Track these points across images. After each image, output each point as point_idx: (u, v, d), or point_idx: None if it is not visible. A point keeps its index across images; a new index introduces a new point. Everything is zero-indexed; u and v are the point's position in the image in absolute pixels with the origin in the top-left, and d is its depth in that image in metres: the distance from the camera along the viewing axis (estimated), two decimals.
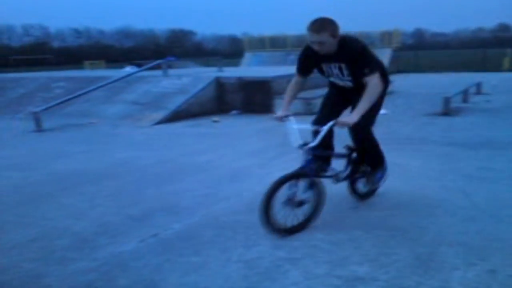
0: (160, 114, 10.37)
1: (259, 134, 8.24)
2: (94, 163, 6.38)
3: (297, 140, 3.56)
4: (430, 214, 3.97)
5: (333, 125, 3.52)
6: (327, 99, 4.18)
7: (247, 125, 9.35)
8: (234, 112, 11.21)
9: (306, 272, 3.00)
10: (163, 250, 3.43)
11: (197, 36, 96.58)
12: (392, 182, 4.89)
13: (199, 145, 7.44)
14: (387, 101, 10.91)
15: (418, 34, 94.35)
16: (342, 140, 4.07)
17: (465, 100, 11.75)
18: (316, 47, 3.58)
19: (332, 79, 3.94)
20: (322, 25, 3.47)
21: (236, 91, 11.53)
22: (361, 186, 4.26)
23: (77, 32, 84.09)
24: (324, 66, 3.81)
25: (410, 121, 9.07)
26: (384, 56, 26.42)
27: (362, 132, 3.86)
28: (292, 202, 3.52)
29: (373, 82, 3.52)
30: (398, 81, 16.29)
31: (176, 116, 10.41)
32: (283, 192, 3.45)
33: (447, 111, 9.76)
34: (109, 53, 64.10)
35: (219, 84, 11.76)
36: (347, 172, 4.07)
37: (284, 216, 3.50)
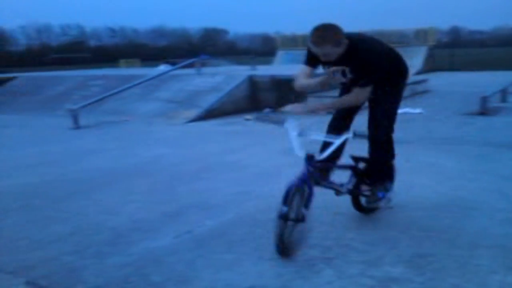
0: (193, 112, 10.46)
1: None
2: (128, 160, 6.49)
3: (300, 149, 3.27)
4: (466, 215, 3.89)
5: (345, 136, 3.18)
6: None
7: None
8: (266, 110, 11.21)
9: (339, 272, 2.98)
10: (196, 247, 3.47)
11: (230, 35, 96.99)
12: (427, 182, 4.82)
13: (231, 143, 7.48)
14: (422, 100, 10.71)
15: (454, 32, 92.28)
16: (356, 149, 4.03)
17: (503, 100, 11.44)
18: (322, 58, 3.37)
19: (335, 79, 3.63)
20: (324, 37, 3.20)
21: (269, 89, 11.53)
22: (364, 200, 3.88)
23: (112, 31, 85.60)
24: (327, 66, 3.53)
25: (446, 121, 8.89)
26: (419, 54, 25.98)
27: (383, 133, 3.62)
28: (290, 218, 3.14)
29: (359, 93, 3.38)
30: (433, 79, 16.00)
31: (209, 114, 10.49)
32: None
33: (484, 111, 9.52)
34: (143, 52, 65.01)
35: (252, 83, 11.78)
36: (350, 185, 3.67)
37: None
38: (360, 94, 3.41)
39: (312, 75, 3.66)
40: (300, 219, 3.10)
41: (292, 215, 3.12)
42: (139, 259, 3.30)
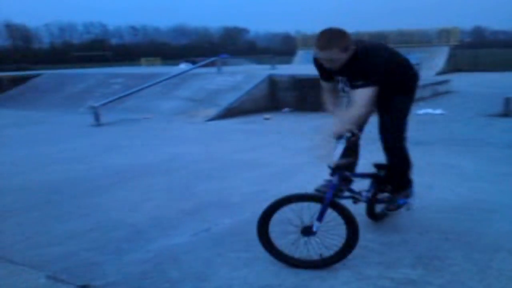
0: (213, 111, 10.51)
1: (310, 132, 8.20)
2: (148, 158, 6.55)
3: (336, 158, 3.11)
4: (486, 218, 3.83)
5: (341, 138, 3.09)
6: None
7: (298, 123, 9.32)
8: (286, 109, 11.21)
9: (357, 273, 2.97)
10: (214, 245, 3.49)
11: (250, 34, 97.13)
12: (447, 184, 4.77)
13: (250, 142, 7.49)
14: (443, 100, 10.59)
15: (478, 32, 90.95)
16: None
17: None
18: (325, 64, 3.21)
19: (343, 94, 3.53)
20: (330, 40, 3.03)
21: (289, 89, 11.52)
22: (382, 207, 3.78)
23: (134, 30, 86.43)
24: (336, 78, 3.42)
25: (468, 122, 8.77)
26: (441, 54, 25.67)
27: (393, 141, 3.48)
28: (304, 230, 3.08)
29: (361, 99, 3.11)
30: (455, 80, 15.78)
31: (229, 113, 10.52)
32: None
33: (507, 112, 9.36)
34: (164, 50, 65.49)
35: (272, 82, 11.78)
36: (370, 193, 3.54)
37: (293, 243, 3.13)
38: (362, 96, 3.13)
39: (333, 90, 3.54)
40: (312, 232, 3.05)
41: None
42: (157, 256, 3.34)
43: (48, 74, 17.13)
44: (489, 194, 4.45)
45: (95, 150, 7.25)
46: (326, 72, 3.43)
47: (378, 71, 3.18)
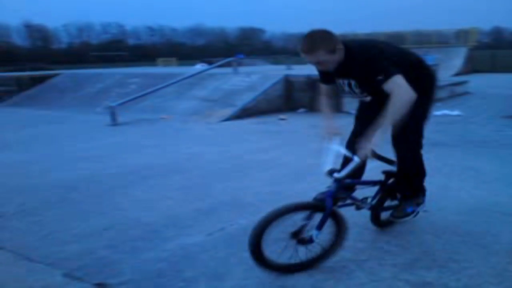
0: (229, 111, 10.54)
1: None
2: (164, 157, 6.60)
3: (328, 164, 3.11)
4: (505, 221, 3.79)
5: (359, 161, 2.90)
6: (357, 117, 3.69)
7: (314, 123, 9.30)
8: (301, 110, 11.19)
9: (371, 274, 2.96)
10: (229, 244, 3.50)
11: (266, 34, 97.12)
12: (464, 186, 4.72)
13: (265, 142, 7.50)
14: (461, 101, 10.48)
15: (496, 33, 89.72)
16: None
17: None
18: (318, 67, 3.13)
19: (345, 95, 3.44)
20: (313, 43, 2.90)
21: (304, 89, 11.50)
22: (389, 214, 3.59)
23: (151, 30, 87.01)
24: (337, 80, 3.29)
25: (486, 123, 8.66)
26: (459, 55, 25.37)
27: (407, 148, 3.28)
28: (297, 237, 3.00)
29: (395, 88, 2.85)
30: (473, 81, 15.60)
31: (244, 113, 10.54)
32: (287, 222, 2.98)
33: None
34: (180, 51, 65.84)
35: (288, 82, 11.77)
36: (375, 201, 3.45)
37: (281, 250, 2.99)
38: (394, 87, 2.86)
39: (331, 93, 3.51)
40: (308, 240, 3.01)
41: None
42: (173, 255, 3.36)
43: (66, 74, 17.35)
44: (508, 196, 4.40)
45: (111, 149, 7.32)
46: (326, 75, 3.33)
47: (381, 63, 2.94)
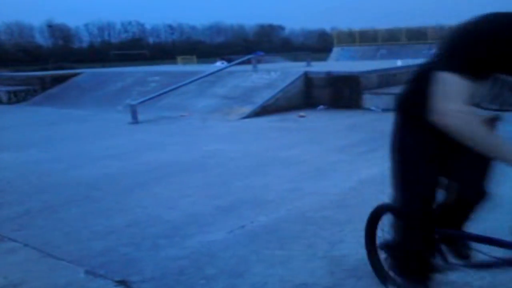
0: (248, 108, 10.54)
1: (346, 130, 8.13)
2: (184, 155, 6.63)
3: None
4: None
5: None
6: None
7: (334, 120, 9.25)
8: (321, 107, 11.13)
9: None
10: (250, 242, 3.50)
11: (286, 31, 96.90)
12: None
13: (285, 140, 7.48)
14: None
15: None
16: None
17: None
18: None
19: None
20: None
21: (324, 86, 11.43)
22: None
23: (170, 28, 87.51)
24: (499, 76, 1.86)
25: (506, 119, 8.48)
26: None
27: None
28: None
29: None
30: None
31: (264, 110, 10.53)
32: None
33: None
34: (200, 49, 66.14)
35: (307, 79, 11.72)
36: None
37: None
38: None
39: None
40: None
41: None
42: (194, 252, 3.37)
43: (88, 72, 17.55)
44: None
45: (132, 147, 7.39)
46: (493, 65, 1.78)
47: None
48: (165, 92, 12.07)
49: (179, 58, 40.98)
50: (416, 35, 28.06)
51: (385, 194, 4.01)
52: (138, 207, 4.43)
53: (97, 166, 6.13)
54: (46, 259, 3.37)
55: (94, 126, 10.08)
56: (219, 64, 22.09)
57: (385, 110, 10.13)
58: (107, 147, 7.48)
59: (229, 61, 21.14)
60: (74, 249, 3.51)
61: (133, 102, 10.62)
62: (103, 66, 27.04)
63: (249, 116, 10.20)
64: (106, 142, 7.94)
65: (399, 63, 13.53)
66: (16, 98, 15.43)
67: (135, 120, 10.15)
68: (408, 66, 13.12)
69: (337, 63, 21.23)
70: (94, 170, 5.92)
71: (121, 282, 2.96)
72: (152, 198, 4.69)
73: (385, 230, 2.68)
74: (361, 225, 3.06)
